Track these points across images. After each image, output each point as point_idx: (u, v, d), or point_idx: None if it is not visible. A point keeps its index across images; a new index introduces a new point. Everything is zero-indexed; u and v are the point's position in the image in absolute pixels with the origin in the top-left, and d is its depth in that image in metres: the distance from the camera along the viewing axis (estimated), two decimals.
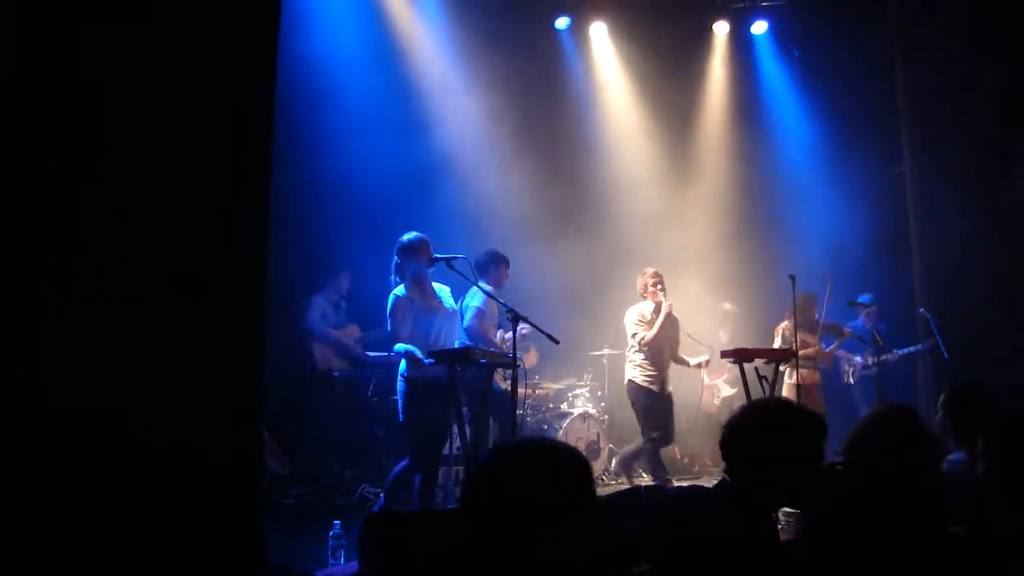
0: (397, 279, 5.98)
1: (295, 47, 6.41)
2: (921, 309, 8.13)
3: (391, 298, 5.92)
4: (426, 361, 5.67)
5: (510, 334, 6.00)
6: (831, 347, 8.19)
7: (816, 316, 7.91)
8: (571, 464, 1.92)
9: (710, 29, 10.16)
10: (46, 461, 2.91)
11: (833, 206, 9.24)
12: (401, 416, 5.93)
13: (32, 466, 2.89)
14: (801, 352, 7.64)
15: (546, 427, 8.45)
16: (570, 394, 9.03)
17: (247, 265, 3.42)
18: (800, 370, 7.64)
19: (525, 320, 6.00)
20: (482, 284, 6.48)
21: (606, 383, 8.92)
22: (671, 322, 7.41)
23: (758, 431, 2.52)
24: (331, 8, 8.02)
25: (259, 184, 3.44)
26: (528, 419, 8.35)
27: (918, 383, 8.51)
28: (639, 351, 7.35)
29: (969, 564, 2.30)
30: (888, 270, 8.81)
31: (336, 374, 7.74)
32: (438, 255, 5.89)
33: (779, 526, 5.58)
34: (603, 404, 8.79)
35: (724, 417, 9.19)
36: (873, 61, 8.82)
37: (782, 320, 7.78)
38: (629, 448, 7.68)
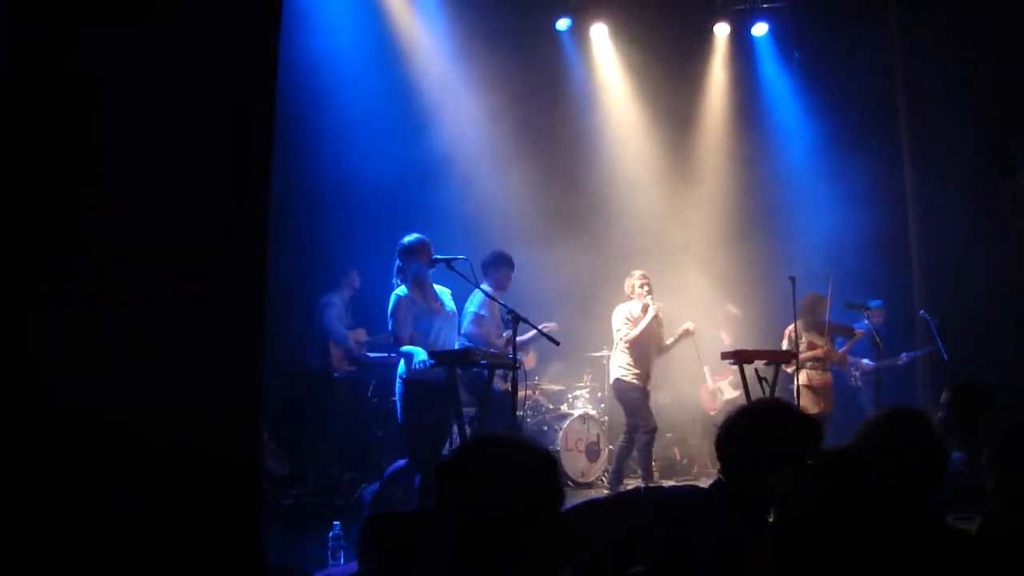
0: (399, 281, 5.99)
1: (296, 46, 6.41)
2: (921, 311, 8.13)
3: (392, 298, 5.93)
4: (428, 363, 5.67)
5: (519, 336, 6.05)
6: (843, 348, 8.17)
7: (824, 317, 7.91)
8: (536, 462, 1.92)
9: (711, 31, 10.15)
10: (44, 462, 2.90)
11: (833, 207, 9.23)
12: (400, 417, 5.93)
13: (30, 466, 2.89)
14: (809, 353, 7.65)
15: (546, 428, 8.45)
16: (570, 395, 9.03)
17: (247, 265, 3.42)
18: (809, 371, 7.65)
19: (525, 321, 6.00)
20: (484, 286, 6.48)
21: (606, 384, 8.90)
22: (655, 321, 7.54)
23: (752, 431, 2.53)
24: (332, 9, 8.01)
25: (259, 184, 3.43)
26: (528, 420, 8.36)
27: (918, 385, 8.51)
28: (624, 350, 7.49)
29: (968, 564, 2.30)
30: (888, 271, 8.81)
31: (336, 375, 7.73)
32: (438, 256, 5.89)
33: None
34: (603, 405, 8.79)
35: (722, 418, 9.18)
36: (873, 62, 8.83)
37: (792, 322, 7.75)
38: (616, 456, 7.69)
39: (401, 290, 5.94)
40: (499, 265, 6.83)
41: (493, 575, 1.83)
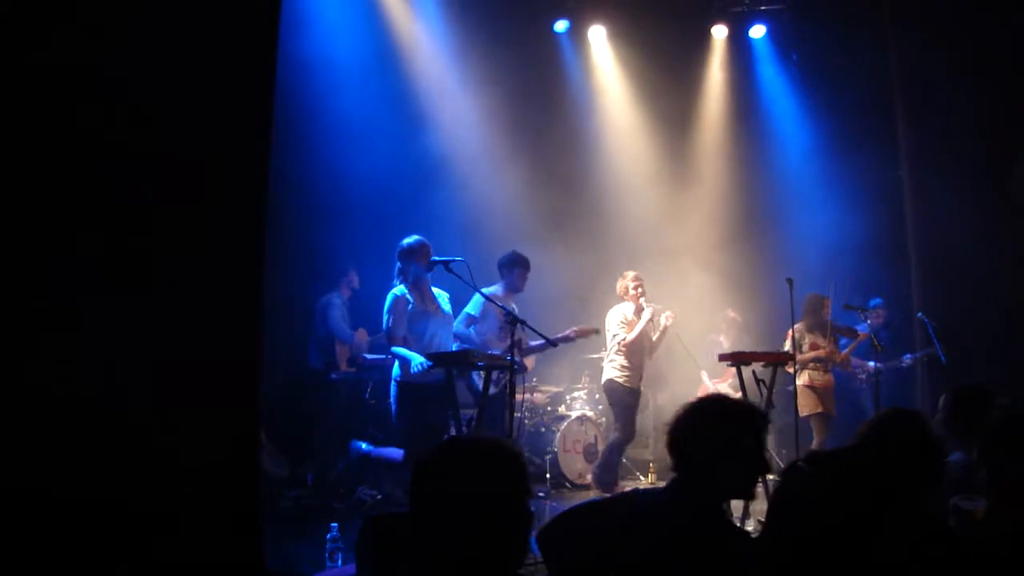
0: (399, 281, 6.02)
1: (294, 48, 6.42)
2: (919, 313, 8.14)
3: (390, 296, 5.96)
4: (426, 365, 5.68)
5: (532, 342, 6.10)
6: (846, 349, 8.17)
7: (827, 318, 7.92)
8: (504, 461, 1.95)
9: (708, 33, 10.16)
10: (40, 463, 2.91)
11: (831, 210, 9.24)
12: (395, 419, 5.95)
13: (26, 467, 2.89)
14: (812, 354, 7.66)
15: (544, 430, 8.46)
16: (568, 397, 9.05)
17: (244, 266, 3.42)
18: (811, 372, 7.65)
19: (523, 323, 6.01)
20: (486, 289, 6.50)
21: (602, 385, 8.92)
22: (648, 323, 7.56)
23: (698, 427, 2.57)
24: (330, 11, 8.01)
25: (257, 185, 3.43)
26: (526, 422, 8.37)
27: (916, 386, 8.51)
28: (619, 352, 7.51)
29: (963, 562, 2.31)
30: (886, 274, 8.82)
31: (334, 376, 7.73)
32: (436, 258, 5.91)
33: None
34: (600, 407, 8.80)
35: None
36: (870, 64, 8.84)
37: (792, 323, 7.76)
38: (604, 455, 7.68)
39: (399, 289, 5.97)
40: (513, 266, 6.81)
41: (463, 571, 1.86)
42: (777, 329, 8.71)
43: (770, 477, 7.31)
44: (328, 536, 4.86)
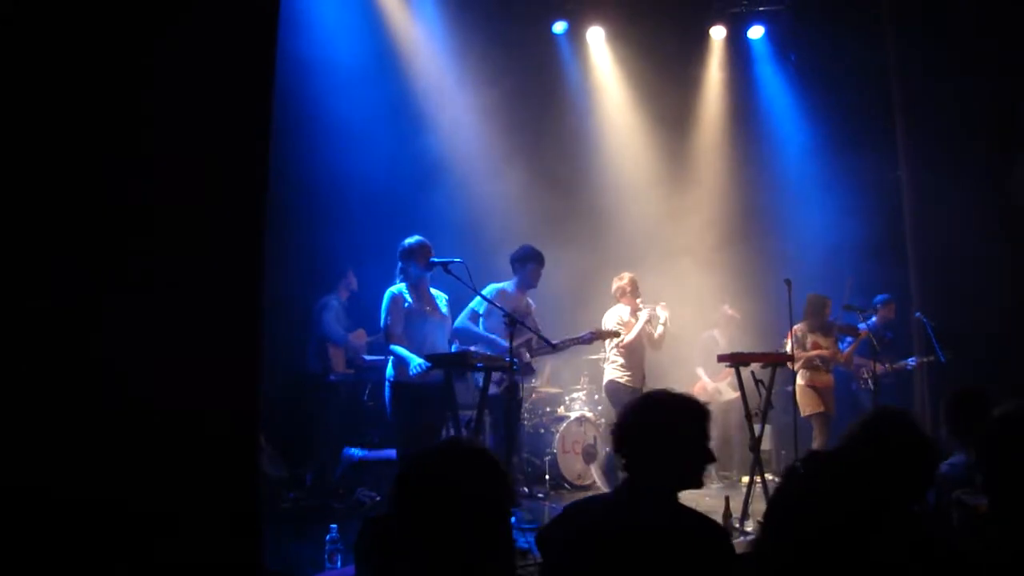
0: (400, 280, 6.02)
1: (291, 50, 6.41)
2: (917, 313, 8.14)
3: (388, 294, 5.95)
4: (424, 366, 5.68)
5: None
6: (848, 349, 8.16)
7: (829, 318, 7.92)
8: (485, 466, 1.97)
9: (707, 34, 10.17)
10: (40, 463, 2.90)
11: (829, 210, 9.25)
12: (389, 420, 5.95)
13: (26, 467, 2.88)
14: (815, 352, 7.65)
15: (543, 431, 8.46)
16: (567, 398, 9.04)
17: (245, 267, 3.42)
18: (812, 372, 7.65)
19: (523, 324, 6.01)
20: (499, 284, 6.51)
21: (603, 387, 8.91)
22: (647, 323, 7.62)
23: (642, 423, 2.64)
24: (328, 13, 8.01)
25: (256, 186, 3.43)
26: (525, 423, 8.37)
27: (916, 387, 8.51)
28: (618, 353, 7.56)
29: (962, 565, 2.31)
30: (885, 274, 8.82)
31: (332, 378, 7.73)
32: (434, 259, 5.91)
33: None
34: (600, 407, 8.80)
35: (718, 420, 9.21)
36: (869, 65, 8.84)
37: (792, 323, 7.74)
38: (611, 456, 7.68)
39: (397, 287, 5.97)
40: (527, 261, 6.79)
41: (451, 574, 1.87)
42: (776, 329, 8.71)
43: (769, 477, 7.34)
44: (327, 537, 4.86)
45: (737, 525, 6.04)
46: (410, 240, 6.04)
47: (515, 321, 5.86)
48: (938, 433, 4.07)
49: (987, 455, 2.67)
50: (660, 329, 7.65)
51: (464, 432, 5.88)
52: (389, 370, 5.96)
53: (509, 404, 6.12)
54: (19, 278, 2.96)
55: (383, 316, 5.94)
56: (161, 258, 3.19)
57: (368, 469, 7.43)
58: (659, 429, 2.60)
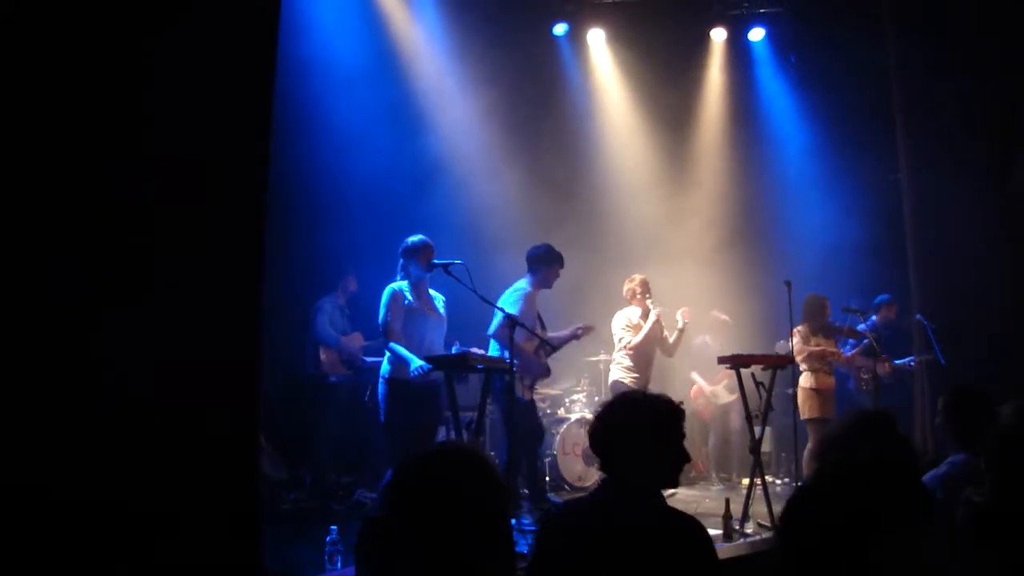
0: (401, 277, 6.02)
1: (290, 51, 6.41)
2: (918, 315, 8.13)
3: (388, 290, 5.94)
4: (425, 368, 5.68)
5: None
6: (854, 350, 8.14)
7: (828, 319, 7.90)
8: (481, 469, 1.97)
9: (707, 36, 10.18)
10: (40, 463, 2.90)
11: (829, 211, 9.26)
12: (382, 418, 5.91)
13: (26, 467, 2.88)
14: (818, 349, 7.62)
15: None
16: (567, 399, 9.05)
17: (245, 267, 3.42)
18: (815, 374, 7.63)
19: (522, 326, 6.01)
20: (521, 289, 6.50)
21: (603, 388, 8.91)
22: (656, 326, 7.57)
23: (618, 423, 2.69)
24: (328, 14, 8.00)
25: (258, 185, 3.43)
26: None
27: (915, 388, 8.50)
28: (625, 355, 7.53)
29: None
30: (885, 276, 8.82)
31: (332, 379, 7.73)
32: (436, 261, 5.90)
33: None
34: (600, 409, 8.77)
35: (718, 423, 9.21)
36: (869, 66, 8.85)
37: (791, 324, 7.71)
38: None
39: (398, 284, 5.96)
40: (551, 261, 6.74)
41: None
42: (775, 330, 8.72)
43: (769, 479, 7.34)
44: (327, 539, 4.86)
45: (737, 527, 6.03)
46: (414, 239, 6.03)
47: (515, 323, 5.86)
48: (937, 433, 4.06)
49: (999, 456, 2.67)
50: (675, 335, 7.61)
51: (465, 433, 5.88)
52: (385, 366, 5.93)
53: (510, 406, 6.10)
54: (19, 278, 2.96)
55: (382, 312, 5.91)
56: (161, 258, 3.19)
57: (369, 470, 7.44)
58: (635, 429, 2.64)
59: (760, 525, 6.30)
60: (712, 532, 5.43)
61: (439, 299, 6.22)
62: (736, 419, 8.79)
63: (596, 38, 10.05)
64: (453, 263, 5.83)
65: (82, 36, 3.10)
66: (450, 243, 6.73)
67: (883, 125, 8.73)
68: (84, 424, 2.95)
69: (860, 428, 2.92)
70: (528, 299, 6.58)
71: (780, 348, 8.40)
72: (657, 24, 9.65)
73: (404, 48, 8.82)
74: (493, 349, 6.51)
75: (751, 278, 9.34)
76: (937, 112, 7.87)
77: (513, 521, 2.51)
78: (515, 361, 5.92)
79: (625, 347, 7.48)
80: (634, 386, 7.39)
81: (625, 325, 7.56)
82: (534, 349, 6.61)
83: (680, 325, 7.56)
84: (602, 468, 2.71)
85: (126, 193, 3.12)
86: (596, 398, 8.91)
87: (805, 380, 7.60)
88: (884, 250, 8.84)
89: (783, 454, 9.27)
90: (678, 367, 8.92)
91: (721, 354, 7.70)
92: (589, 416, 8.60)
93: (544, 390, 9.08)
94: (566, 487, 8.20)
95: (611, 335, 7.83)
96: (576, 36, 10.04)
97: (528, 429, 6.54)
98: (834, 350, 7.81)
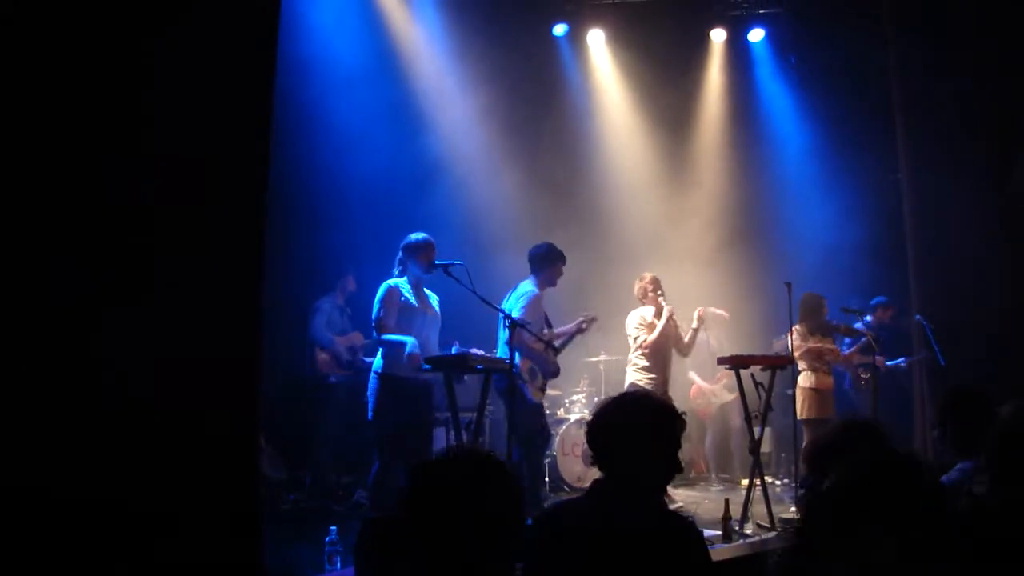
0: (398, 273, 5.99)
1: (290, 51, 6.41)
2: (917, 315, 8.13)
3: (384, 286, 5.89)
4: (418, 347, 5.68)
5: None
6: (852, 349, 8.13)
7: (826, 318, 7.88)
8: (493, 472, 1.98)
9: (707, 37, 10.18)
10: (40, 463, 2.90)
11: (829, 212, 9.26)
12: (371, 414, 5.87)
13: (26, 467, 2.88)
14: (817, 346, 7.62)
15: None
16: (567, 400, 9.04)
17: (245, 267, 3.42)
18: (814, 374, 7.62)
19: (522, 327, 6.00)
20: (528, 290, 6.50)
21: (603, 389, 8.92)
22: (671, 324, 7.47)
23: (615, 422, 2.68)
24: (328, 14, 8.00)
25: (258, 185, 3.43)
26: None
27: (914, 389, 8.51)
28: (641, 355, 7.39)
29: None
30: (884, 276, 8.83)
31: (332, 379, 7.73)
32: (436, 261, 5.89)
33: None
34: None
35: (718, 423, 9.21)
36: (869, 66, 8.86)
37: (791, 325, 7.70)
38: None
39: (395, 281, 5.94)
40: (555, 260, 6.71)
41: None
42: (775, 331, 8.73)
43: (769, 480, 7.33)
44: (327, 539, 4.85)
45: (737, 528, 6.03)
46: (417, 236, 5.97)
47: (516, 324, 5.86)
48: (936, 443, 4.05)
49: (999, 455, 2.67)
50: (690, 334, 7.53)
51: (465, 434, 5.87)
52: (377, 361, 5.89)
53: (512, 407, 6.09)
54: (19, 278, 2.96)
55: (376, 307, 5.85)
56: (161, 258, 3.19)
57: (369, 471, 7.43)
58: (633, 429, 2.63)
59: (760, 526, 6.29)
60: (712, 533, 5.46)
61: (434, 298, 6.20)
62: (736, 419, 8.77)
63: (596, 38, 10.06)
64: (453, 264, 5.81)
65: (82, 36, 3.10)
66: (450, 243, 6.72)
67: (883, 125, 8.74)
68: (84, 424, 2.94)
69: (850, 436, 2.91)
70: (535, 302, 6.57)
71: (776, 346, 8.40)
72: (657, 25, 9.65)
73: (404, 48, 8.82)
74: (503, 352, 6.47)
75: (751, 278, 9.34)
76: (937, 112, 7.87)
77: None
78: (516, 363, 5.92)
79: (641, 346, 7.35)
80: (651, 388, 7.22)
81: (639, 324, 7.44)
82: (543, 349, 6.61)
83: (695, 324, 7.48)
84: (599, 467, 2.71)
85: (126, 193, 3.12)
86: (596, 399, 8.90)
87: (804, 380, 7.59)
88: (884, 250, 8.84)
89: (783, 454, 9.27)
90: (677, 367, 8.90)
91: (720, 349, 7.70)
92: (589, 417, 8.57)
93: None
94: (565, 488, 8.20)
95: (613, 334, 7.80)
96: (576, 36, 10.05)
97: (535, 431, 6.51)
98: (831, 347, 7.80)
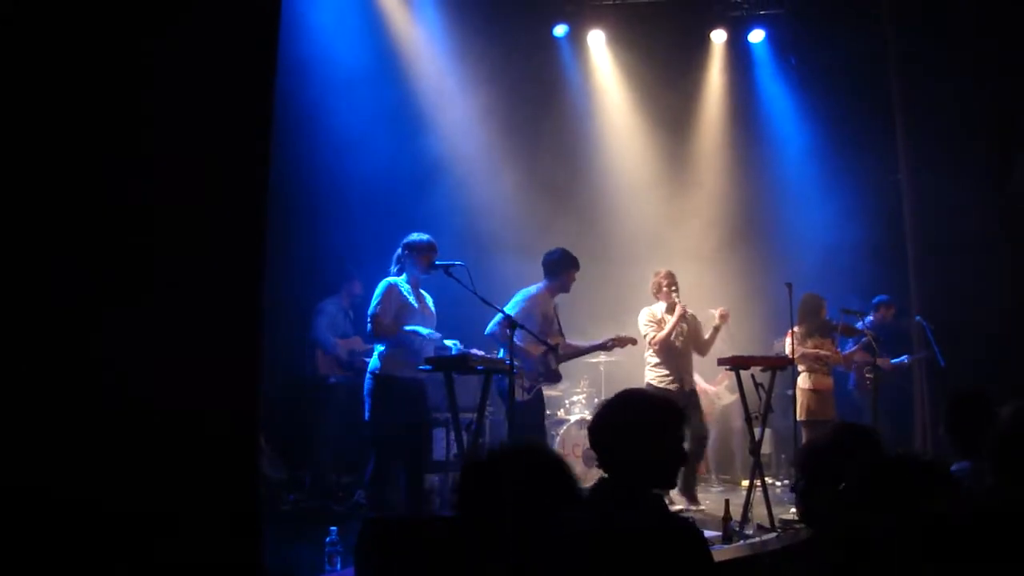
0: (396, 271, 5.98)
1: (291, 52, 6.41)
2: (917, 316, 8.12)
3: (384, 283, 5.88)
4: (435, 335, 5.69)
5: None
6: (853, 349, 8.11)
7: (826, 318, 7.86)
8: (550, 465, 1.97)
9: (707, 37, 10.17)
10: (40, 463, 2.90)
11: (830, 212, 9.25)
12: (367, 415, 5.87)
13: (26, 467, 2.88)
14: (812, 350, 7.60)
15: None
16: (567, 400, 9.02)
17: (245, 267, 3.42)
18: (815, 375, 7.61)
19: (522, 327, 5.99)
20: (530, 290, 6.48)
21: (602, 389, 8.90)
22: (688, 320, 7.37)
23: (616, 421, 2.66)
24: (328, 15, 8.00)
25: (258, 185, 3.43)
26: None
27: (915, 390, 8.50)
28: (652, 354, 7.33)
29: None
30: (884, 277, 8.82)
31: (332, 380, 7.73)
32: (437, 262, 5.88)
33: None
34: None
35: (719, 424, 9.19)
36: (869, 67, 8.85)
37: (791, 326, 7.67)
38: None
39: (395, 279, 5.93)
40: (568, 266, 6.73)
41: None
42: (775, 332, 8.71)
43: (769, 481, 7.33)
44: (327, 539, 4.85)
45: (737, 528, 6.02)
46: (420, 237, 5.95)
47: (515, 325, 5.85)
48: (937, 434, 4.06)
49: (999, 455, 2.66)
50: (711, 333, 7.40)
51: (465, 435, 5.87)
52: (374, 362, 5.88)
53: (511, 408, 6.09)
54: (19, 278, 2.96)
55: (374, 303, 5.82)
56: (161, 258, 3.19)
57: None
58: (635, 427, 2.61)
59: (760, 527, 6.29)
60: (712, 534, 5.45)
61: (429, 299, 6.20)
62: (736, 420, 8.76)
63: (596, 39, 10.04)
64: (454, 264, 5.80)
65: (82, 36, 3.10)
66: (450, 244, 6.72)
67: (883, 126, 8.73)
68: (84, 424, 2.94)
69: (844, 441, 2.91)
70: (533, 301, 6.56)
71: (776, 347, 8.38)
72: (657, 26, 9.64)
73: (405, 49, 8.82)
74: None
75: (751, 279, 9.33)
76: (937, 112, 7.86)
77: None
78: (515, 363, 5.91)
79: (650, 343, 7.28)
80: (667, 385, 7.18)
81: (648, 321, 7.34)
82: (542, 352, 6.59)
83: (716, 323, 7.33)
84: (602, 468, 2.69)
85: (126, 193, 3.12)
86: (596, 399, 8.88)
87: (803, 381, 7.58)
88: (884, 251, 8.83)
89: (783, 455, 9.26)
90: None
91: (721, 350, 7.66)
92: (589, 417, 8.56)
93: (544, 392, 9.06)
94: None
95: (635, 344, 7.73)
96: (576, 37, 10.03)
97: (526, 430, 6.50)
98: (829, 351, 7.77)
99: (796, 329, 7.48)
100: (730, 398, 9.04)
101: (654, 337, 7.26)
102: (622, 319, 7.68)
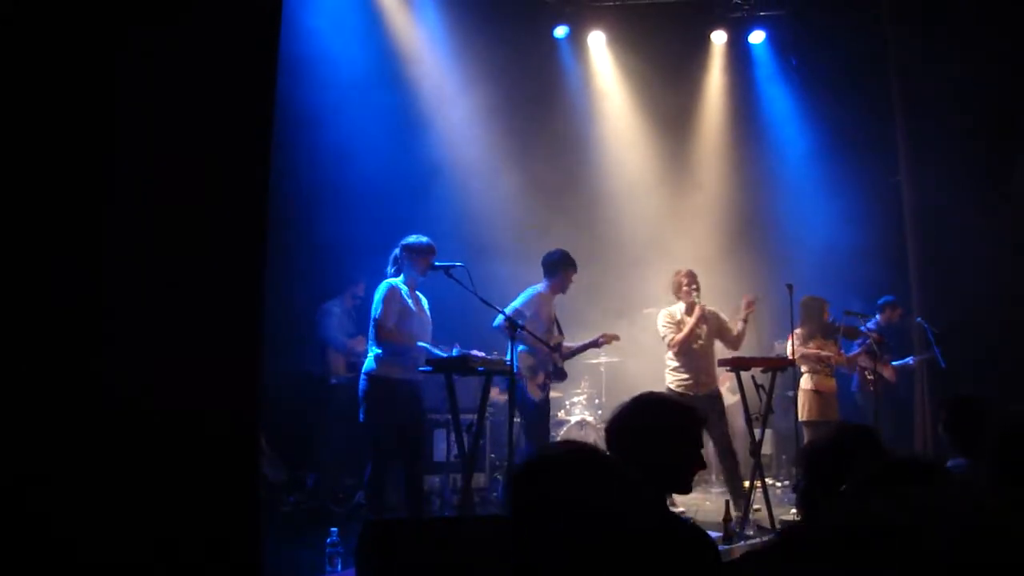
0: (393, 272, 5.97)
1: (291, 52, 6.41)
2: (918, 318, 8.11)
3: (386, 285, 5.88)
4: (424, 368, 5.69)
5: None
6: (857, 351, 8.09)
7: (828, 319, 7.84)
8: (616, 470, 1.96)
9: (708, 39, 10.17)
10: (40, 463, 2.90)
11: (830, 215, 9.25)
12: (362, 416, 5.87)
13: (26, 467, 2.88)
14: (814, 352, 7.57)
15: None
16: (567, 402, 9.02)
17: (245, 268, 3.41)
18: (817, 377, 7.59)
19: (522, 328, 5.99)
20: (534, 288, 6.47)
21: (603, 391, 8.90)
22: (709, 319, 7.23)
23: (638, 423, 2.64)
24: (328, 16, 8.00)
25: (258, 185, 3.43)
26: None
27: (916, 391, 8.49)
28: (671, 356, 7.20)
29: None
30: (885, 279, 8.81)
31: (333, 381, 7.73)
32: (437, 263, 5.88)
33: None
34: (600, 412, 8.77)
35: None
36: (870, 68, 8.85)
37: (792, 327, 7.62)
38: None
39: (395, 281, 5.93)
40: (567, 266, 6.75)
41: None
42: (777, 333, 8.71)
43: (770, 482, 7.31)
44: (328, 541, 4.85)
45: (738, 529, 6.02)
46: (419, 239, 5.94)
47: (515, 325, 5.85)
48: (937, 435, 4.06)
49: (998, 456, 2.66)
50: (740, 326, 7.19)
51: (465, 436, 5.87)
52: (369, 363, 5.87)
53: (512, 409, 6.08)
54: (19, 278, 2.95)
55: (377, 307, 5.82)
56: (161, 258, 3.19)
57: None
58: (653, 430, 2.60)
59: (760, 528, 6.28)
60: (713, 534, 5.44)
61: (425, 301, 6.20)
62: (737, 421, 8.75)
63: (597, 41, 10.05)
64: (454, 265, 5.80)
65: (83, 36, 3.10)
66: (450, 244, 6.72)
67: (883, 127, 8.73)
68: (84, 424, 2.94)
69: (846, 441, 2.91)
70: (535, 299, 6.58)
71: (778, 348, 8.37)
72: (658, 27, 9.65)
73: (405, 50, 8.82)
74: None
75: (753, 280, 9.30)
76: (937, 113, 7.86)
77: None
78: (516, 363, 5.91)
79: (669, 345, 7.14)
80: (679, 390, 7.03)
81: (667, 323, 7.18)
82: (547, 351, 6.61)
83: (743, 315, 7.15)
84: None
85: (126, 193, 3.12)
86: (596, 401, 8.89)
87: (805, 382, 7.56)
88: (885, 253, 8.83)
89: (784, 456, 9.26)
90: None
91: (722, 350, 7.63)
92: (589, 419, 8.57)
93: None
94: None
95: (619, 340, 7.72)
96: (577, 39, 10.04)
97: (545, 431, 6.52)
98: (830, 353, 7.75)
99: (798, 331, 7.47)
100: (732, 399, 9.02)
101: (672, 339, 7.10)
102: (622, 319, 7.67)
